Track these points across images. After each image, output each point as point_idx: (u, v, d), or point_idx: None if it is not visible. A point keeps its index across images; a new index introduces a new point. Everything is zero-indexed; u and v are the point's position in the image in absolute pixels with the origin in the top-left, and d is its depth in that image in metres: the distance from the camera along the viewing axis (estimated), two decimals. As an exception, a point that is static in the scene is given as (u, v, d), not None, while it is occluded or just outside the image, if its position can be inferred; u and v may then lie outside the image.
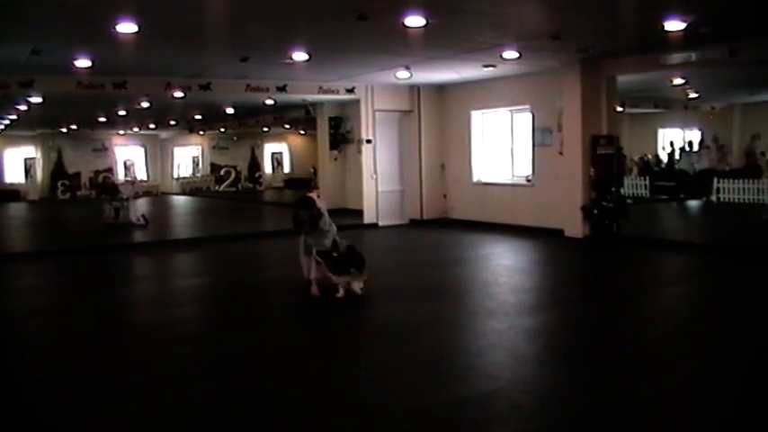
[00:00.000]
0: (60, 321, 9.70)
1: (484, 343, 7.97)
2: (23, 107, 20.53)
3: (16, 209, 31.20)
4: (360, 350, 7.91)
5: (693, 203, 24.56)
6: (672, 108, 28.15)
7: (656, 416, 5.73)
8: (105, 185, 22.48)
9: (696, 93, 23.31)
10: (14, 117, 24.74)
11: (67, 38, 11.64)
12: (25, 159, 37.67)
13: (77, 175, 37.82)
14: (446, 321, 9.08)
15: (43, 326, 9.49)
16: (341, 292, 10.24)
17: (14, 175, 37.50)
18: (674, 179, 26.66)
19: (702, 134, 29.91)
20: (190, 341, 8.68)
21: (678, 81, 19.20)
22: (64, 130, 34.10)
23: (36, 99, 17.77)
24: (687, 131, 31.70)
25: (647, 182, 27.35)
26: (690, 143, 27.92)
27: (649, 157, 30.66)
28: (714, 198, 24.50)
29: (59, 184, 37.29)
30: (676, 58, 14.59)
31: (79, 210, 29.33)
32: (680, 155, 27.79)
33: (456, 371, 6.95)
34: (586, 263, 14.13)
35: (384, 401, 6.16)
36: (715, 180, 24.77)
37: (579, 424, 5.61)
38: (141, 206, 21.65)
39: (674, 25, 11.18)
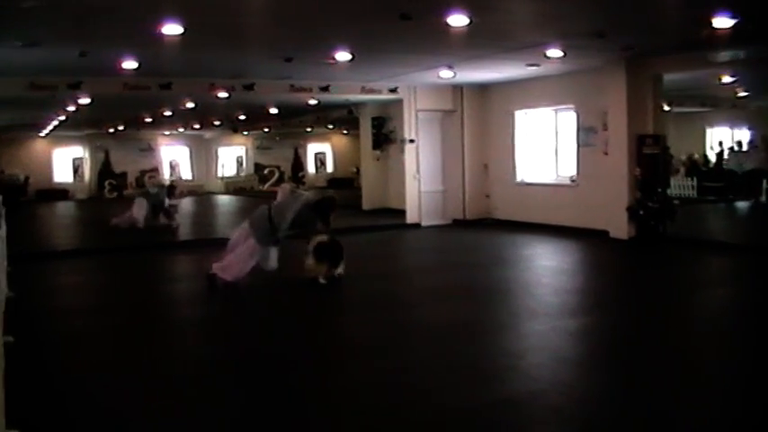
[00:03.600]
0: (101, 319, 9.82)
1: (525, 344, 7.93)
2: (72, 108, 20.84)
3: (64, 207, 31.68)
4: (400, 350, 7.90)
5: (742, 204, 24.16)
6: (720, 107, 27.72)
7: (696, 420, 5.65)
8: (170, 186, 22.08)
9: (745, 91, 22.93)
10: (63, 118, 25.13)
11: (114, 40, 11.76)
12: (73, 159, 38.24)
13: (124, 174, 38.33)
14: (487, 322, 9.04)
15: (84, 324, 9.63)
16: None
17: (63, 175, 38.06)
18: (721, 179, 26.24)
19: (752, 133, 29.44)
20: (226, 338, 8.75)
21: (727, 79, 18.89)
22: (111, 130, 34.53)
23: (84, 100, 18.02)
24: (736, 130, 31.22)
25: (695, 182, 26.94)
26: (739, 143, 27.48)
27: (697, 156, 30.25)
28: (763, 199, 24.07)
29: (106, 183, 37.81)
30: (724, 55, 14.38)
31: (125, 209, 29.61)
32: (728, 154, 27.37)
33: (496, 372, 6.93)
34: (631, 264, 13.97)
35: (424, 401, 6.15)
36: (764, 180, 24.33)
37: (618, 428, 5.56)
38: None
39: (722, 22, 11.00)
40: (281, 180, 41.31)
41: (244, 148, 42.13)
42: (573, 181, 17.85)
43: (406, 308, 10.16)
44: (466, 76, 17.65)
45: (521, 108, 19.33)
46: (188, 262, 15.29)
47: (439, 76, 16.90)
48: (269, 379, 6.91)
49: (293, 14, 10.21)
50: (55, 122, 27.99)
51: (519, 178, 19.54)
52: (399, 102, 19.86)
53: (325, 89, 18.12)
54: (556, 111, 18.53)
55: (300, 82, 17.66)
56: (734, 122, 31.25)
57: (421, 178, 19.84)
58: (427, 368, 7.14)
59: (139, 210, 19.89)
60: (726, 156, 27.59)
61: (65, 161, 38.15)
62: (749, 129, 30.24)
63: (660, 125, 15.98)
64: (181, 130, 36.22)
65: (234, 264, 11.14)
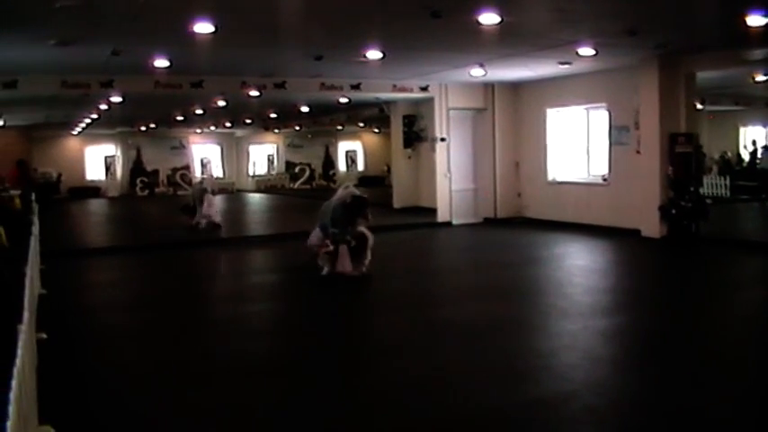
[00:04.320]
0: (133, 316, 9.92)
1: (557, 344, 7.88)
2: (104, 106, 21.01)
3: (97, 205, 31.97)
4: (432, 349, 7.87)
5: (776, 204, 23.88)
6: (754, 105, 27.40)
7: (732, 422, 5.58)
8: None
9: (780, 90, 22.65)
10: (95, 116, 25.38)
11: (146, 39, 11.83)
12: (106, 157, 38.57)
13: (156, 172, 38.65)
14: (519, 321, 8.99)
15: (116, 321, 9.70)
16: None
17: (95, 173, 38.40)
18: (755, 178, 25.91)
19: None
20: (265, 336, 8.81)
21: (761, 77, 18.67)
22: (143, 128, 34.86)
23: (116, 98, 18.15)
24: (770, 129, 30.87)
25: (728, 181, 26.59)
26: (772, 141, 27.15)
27: (729, 155, 29.91)
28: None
29: (138, 181, 38.12)
30: (759, 53, 14.21)
31: (157, 206, 29.91)
32: (762, 153, 27.03)
33: (529, 371, 6.88)
34: (663, 264, 13.84)
35: (457, 401, 6.12)
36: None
37: (654, 428, 5.50)
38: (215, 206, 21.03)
39: (756, 20, 10.87)
40: (311, 178, 41.49)
41: (275, 146, 42.28)
42: (605, 180, 17.71)
43: (437, 307, 10.14)
44: (497, 75, 17.58)
45: (553, 106, 19.21)
46: (220, 260, 15.38)
47: (470, 75, 16.84)
48: (300, 379, 6.92)
49: (324, 13, 10.21)
50: (87, 120, 28.28)
51: (550, 177, 19.43)
52: (430, 100, 19.81)
53: (355, 87, 18.11)
54: (588, 109, 18.40)
55: (331, 80, 17.66)
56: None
57: (452, 177, 19.77)
58: (459, 367, 7.11)
59: (210, 207, 19.76)
60: (759, 154, 27.26)
61: (97, 159, 38.49)
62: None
63: (693, 124, 15.82)
64: (212, 128, 36.48)
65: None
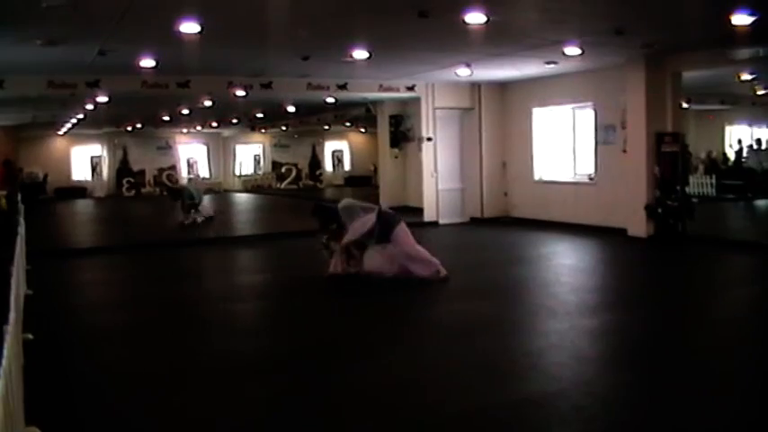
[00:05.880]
0: (118, 316, 9.85)
1: (545, 343, 7.88)
2: (90, 106, 20.94)
3: (83, 205, 31.86)
4: (419, 349, 7.87)
5: (761, 203, 23.98)
6: (739, 105, 27.52)
7: (720, 420, 5.60)
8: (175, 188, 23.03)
9: (765, 89, 22.75)
10: (81, 116, 25.29)
11: (133, 39, 11.80)
12: (92, 157, 38.47)
13: (142, 172, 38.60)
14: (506, 321, 9.01)
15: (101, 321, 9.65)
16: None
17: (81, 173, 38.29)
18: (741, 178, 26.03)
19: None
20: (251, 336, 8.77)
21: (746, 77, 18.75)
22: (129, 128, 34.77)
23: (102, 98, 18.09)
24: (755, 128, 30.99)
25: (714, 180, 26.69)
26: (758, 140, 27.25)
27: (715, 154, 30.03)
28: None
29: (125, 181, 38.06)
30: (744, 53, 14.27)
31: (144, 207, 29.85)
32: (747, 152, 27.15)
33: (516, 371, 6.89)
34: (650, 263, 13.88)
35: (443, 401, 6.12)
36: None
37: (643, 427, 5.51)
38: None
39: (741, 19, 10.92)
40: (298, 178, 41.46)
41: (261, 145, 42.23)
42: (591, 179, 17.76)
43: (423, 306, 10.13)
44: (484, 74, 17.60)
45: (539, 106, 19.26)
46: (208, 259, 15.33)
47: (456, 74, 16.87)
48: (286, 379, 6.91)
49: (311, 13, 10.20)
50: (73, 120, 28.17)
51: (537, 176, 19.47)
52: (417, 100, 19.82)
53: (342, 87, 18.09)
54: (574, 108, 18.43)
55: (318, 80, 17.64)
56: (753, 120, 31.04)
57: (438, 176, 19.79)
58: (446, 367, 7.10)
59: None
60: (745, 154, 27.39)
61: (83, 159, 38.38)
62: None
63: (679, 123, 15.88)
64: (199, 128, 36.46)
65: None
